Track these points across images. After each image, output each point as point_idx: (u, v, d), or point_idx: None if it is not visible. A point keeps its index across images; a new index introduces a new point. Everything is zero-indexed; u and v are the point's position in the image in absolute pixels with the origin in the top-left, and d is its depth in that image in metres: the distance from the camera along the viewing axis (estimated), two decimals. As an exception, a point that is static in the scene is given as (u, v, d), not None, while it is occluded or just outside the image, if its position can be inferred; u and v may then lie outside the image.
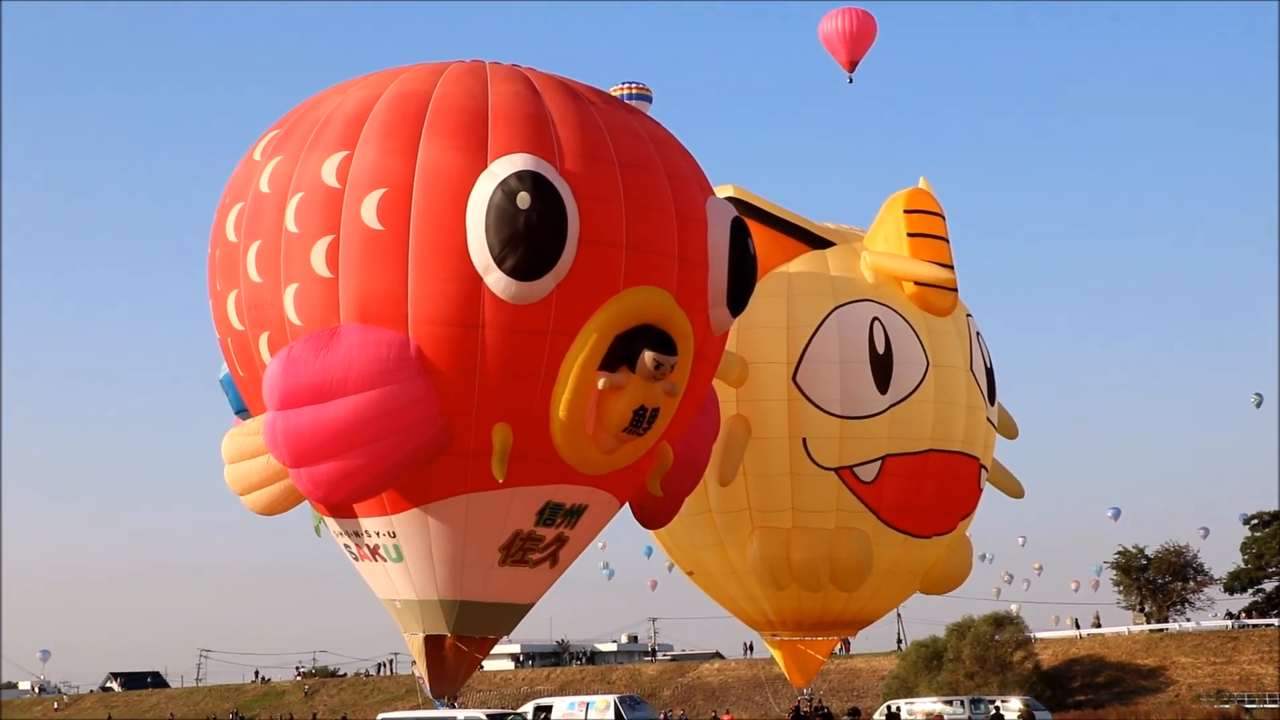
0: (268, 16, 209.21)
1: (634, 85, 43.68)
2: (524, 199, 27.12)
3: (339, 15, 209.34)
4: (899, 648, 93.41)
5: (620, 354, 28.31)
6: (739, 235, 30.74)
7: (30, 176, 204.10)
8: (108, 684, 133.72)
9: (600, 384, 28.27)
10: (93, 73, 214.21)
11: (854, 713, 28.14)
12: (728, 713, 52.71)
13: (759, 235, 37.99)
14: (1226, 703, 69.52)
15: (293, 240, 28.31)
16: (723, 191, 37.03)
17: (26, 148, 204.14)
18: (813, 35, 49.10)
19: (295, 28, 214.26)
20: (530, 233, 27.15)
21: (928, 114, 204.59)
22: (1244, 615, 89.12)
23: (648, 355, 28.30)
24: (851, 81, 48.45)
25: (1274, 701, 70.73)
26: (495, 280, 27.37)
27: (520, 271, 27.25)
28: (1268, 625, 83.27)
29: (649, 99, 38.27)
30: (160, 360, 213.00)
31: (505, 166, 27.50)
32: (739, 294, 30.88)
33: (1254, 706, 69.23)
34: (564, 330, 27.87)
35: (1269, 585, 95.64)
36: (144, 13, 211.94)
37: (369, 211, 27.64)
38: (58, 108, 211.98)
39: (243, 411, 32.60)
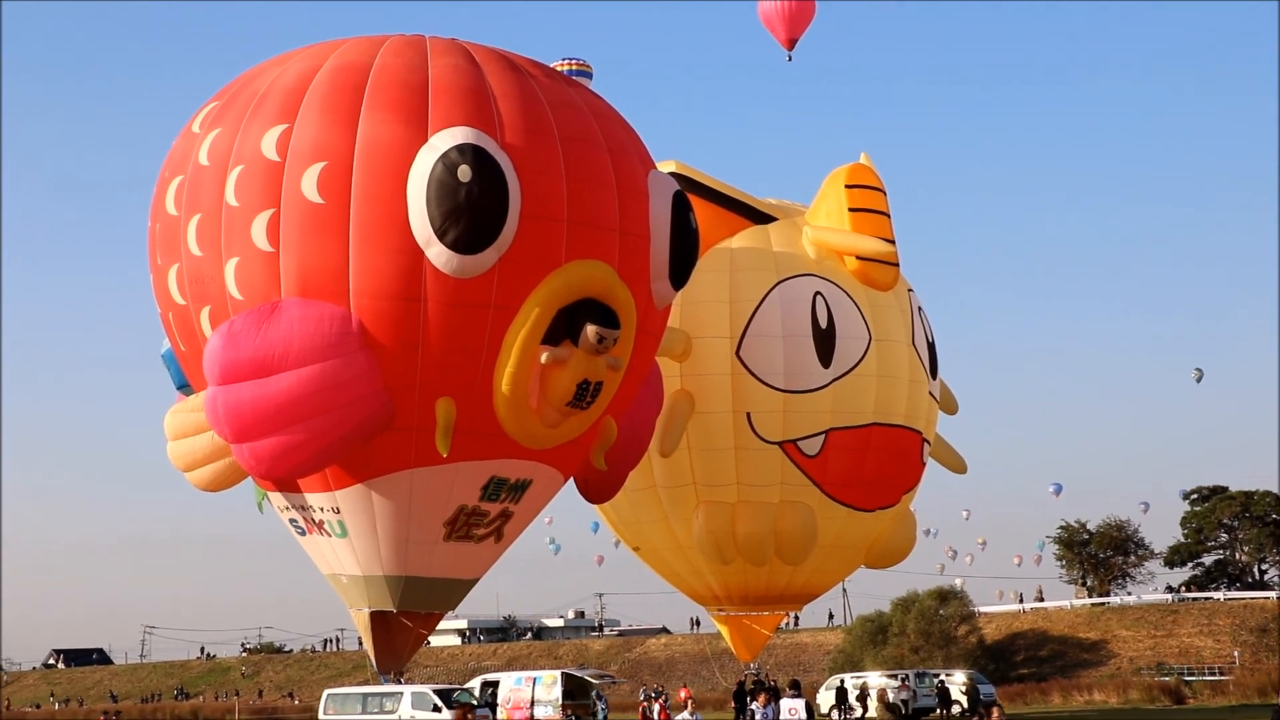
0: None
1: (574, 61, 43.57)
2: (465, 172, 26.97)
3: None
4: (829, 623, 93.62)
5: (563, 328, 28.21)
6: (681, 209, 30.66)
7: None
8: (50, 661, 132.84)
9: (543, 358, 28.15)
10: (28, 39, 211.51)
11: (794, 685, 28.17)
12: (685, 687, 52.66)
13: (701, 211, 37.93)
14: (1167, 675, 70.00)
15: (233, 214, 28.03)
16: (665, 167, 36.93)
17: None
18: (753, 14, 49.00)
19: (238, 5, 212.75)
20: (471, 206, 27.00)
21: (868, 90, 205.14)
22: (1184, 589, 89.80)
23: (590, 329, 28.21)
24: (791, 59, 48.44)
25: (1213, 674, 71.36)
26: (437, 254, 27.20)
27: (462, 245, 27.09)
28: (1207, 599, 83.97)
29: (589, 75, 38.07)
30: (101, 335, 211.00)
31: (446, 140, 27.31)
32: (681, 268, 30.82)
33: (1193, 679, 69.78)
34: (506, 304, 27.73)
35: (1208, 559, 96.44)
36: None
37: (309, 185, 27.42)
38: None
39: (185, 387, 32.32)
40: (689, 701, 28.30)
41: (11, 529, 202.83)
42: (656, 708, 42.87)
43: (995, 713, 13.57)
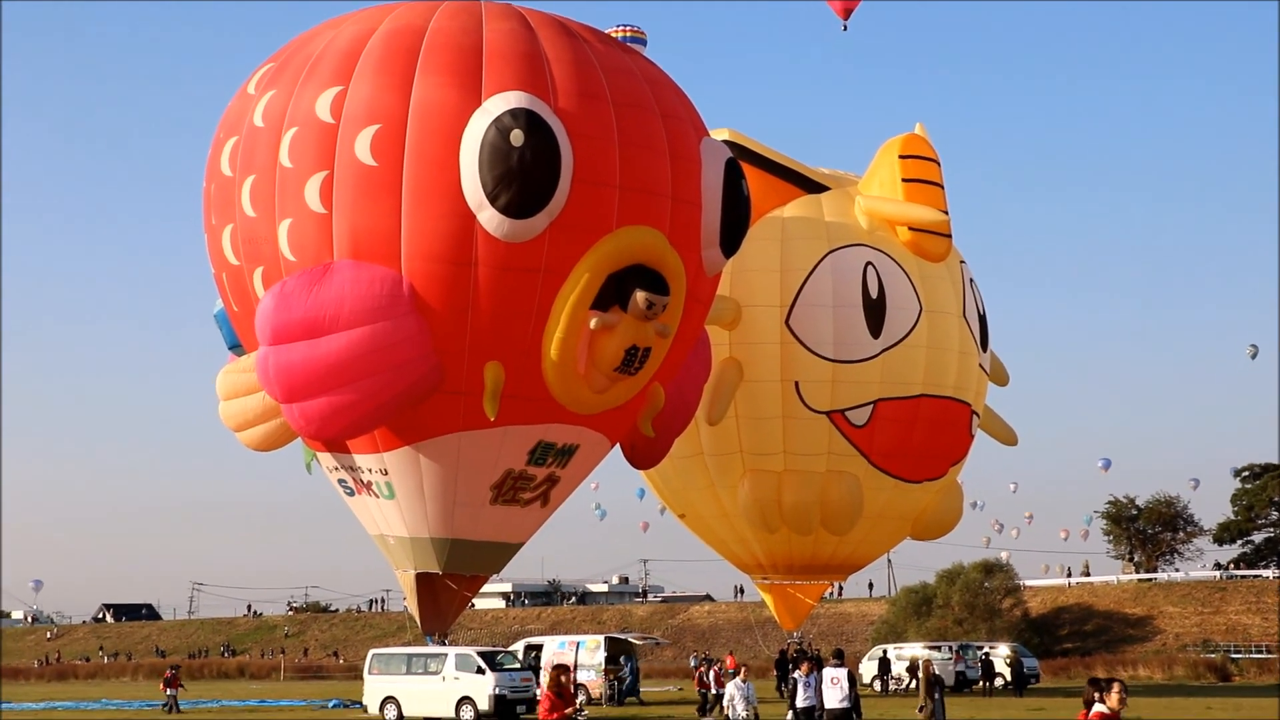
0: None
1: (629, 28, 43.40)
2: (518, 136, 26.99)
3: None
4: (869, 594, 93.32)
5: (612, 293, 28.24)
6: (733, 176, 30.56)
7: (20, 109, 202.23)
8: (100, 615, 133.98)
9: (592, 323, 28.14)
10: (88, 6, 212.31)
11: (838, 654, 28.07)
12: (730, 654, 52.68)
13: (754, 179, 37.84)
14: (1213, 653, 69.57)
15: (287, 175, 28.14)
16: (719, 135, 36.85)
17: (17, 82, 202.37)
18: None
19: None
20: (523, 170, 27.03)
21: (925, 60, 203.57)
22: (1232, 566, 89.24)
23: (640, 295, 28.21)
24: (846, 29, 48.11)
25: (1259, 652, 70.89)
26: (488, 218, 27.24)
27: (513, 209, 27.13)
28: (1256, 576, 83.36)
29: (644, 42, 37.93)
30: (156, 296, 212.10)
31: (499, 104, 27.33)
32: (732, 235, 30.74)
33: (1240, 656, 69.34)
34: (556, 269, 27.75)
35: (1258, 537, 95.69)
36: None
37: (363, 147, 27.49)
38: (53, 40, 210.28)
39: (237, 347, 32.49)
40: (742, 669, 28.19)
41: (62, 485, 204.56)
42: (712, 674, 42.96)
43: (1116, 688, 13.43)
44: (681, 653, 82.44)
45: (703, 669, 44.54)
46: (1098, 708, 13.35)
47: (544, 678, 21.47)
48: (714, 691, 41.27)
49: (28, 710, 51.89)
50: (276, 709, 49.59)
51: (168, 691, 48.28)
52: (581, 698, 20.38)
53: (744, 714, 26.58)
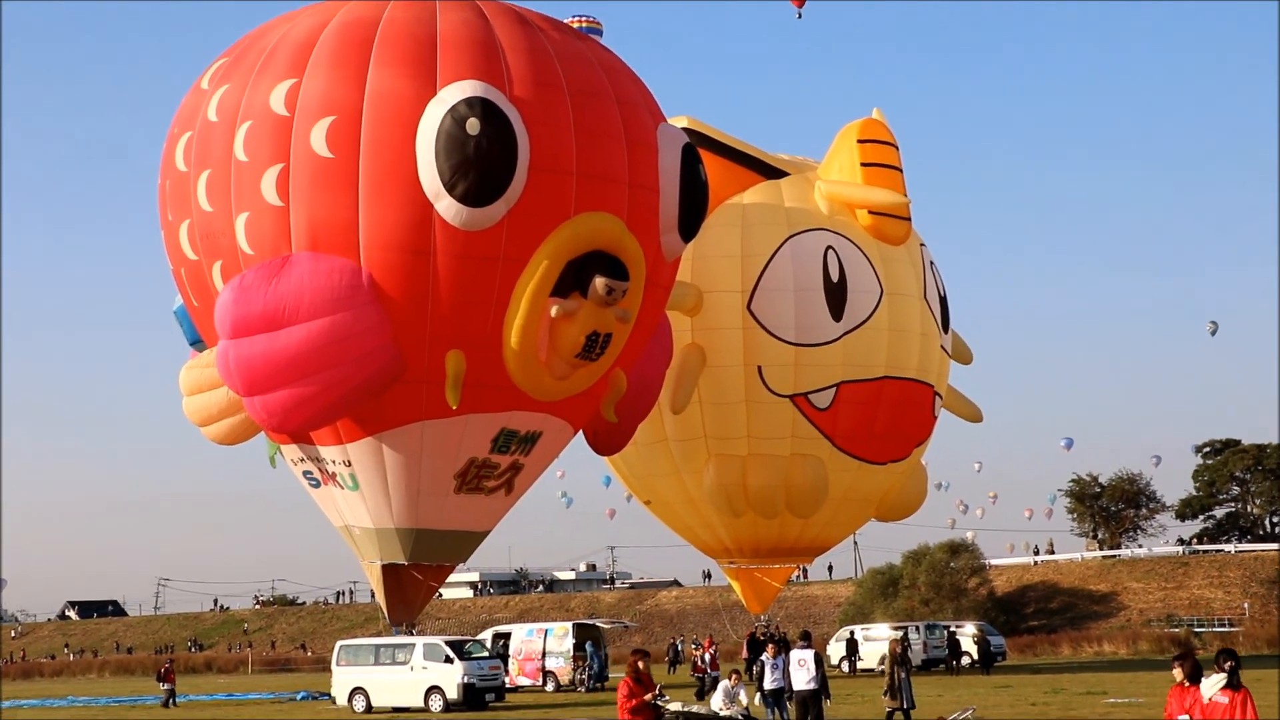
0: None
1: (585, 19, 43.29)
2: (474, 125, 26.85)
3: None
4: (829, 576, 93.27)
5: (572, 280, 28.10)
6: (690, 161, 30.45)
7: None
8: (65, 613, 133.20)
9: (553, 311, 28.01)
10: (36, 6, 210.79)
11: (805, 636, 28.06)
12: (709, 638, 52.69)
13: (714, 166, 37.76)
14: (1176, 626, 69.98)
15: (243, 169, 27.95)
16: (678, 122, 36.72)
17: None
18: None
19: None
20: (480, 159, 26.90)
21: (881, 45, 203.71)
22: (1195, 541, 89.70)
23: (599, 281, 28.07)
24: (800, 17, 48.07)
25: (1222, 625, 71.33)
26: (446, 207, 27.11)
27: (471, 198, 27.00)
28: (1218, 551, 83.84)
29: (600, 32, 37.76)
30: (114, 292, 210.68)
31: (455, 93, 27.16)
32: (690, 219, 30.62)
33: (1203, 630, 69.78)
34: (515, 257, 27.60)
35: (1219, 512, 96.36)
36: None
37: (319, 139, 27.30)
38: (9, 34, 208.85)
39: (198, 343, 32.30)
40: (733, 675, 28.08)
41: (28, 482, 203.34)
42: (708, 656, 43.10)
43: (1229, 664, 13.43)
44: (650, 638, 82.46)
45: (698, 653, 44.73)
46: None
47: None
48: (710, 675, 41.53)
49: (28, 707, 51.63)
50: (257, 702, 49.32)
51: (164, 686, 48.19)
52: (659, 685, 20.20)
53: (720, 709, 26.47)
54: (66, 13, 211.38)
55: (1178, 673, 13.78)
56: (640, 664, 19.73)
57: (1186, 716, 13.50)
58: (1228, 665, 13.30)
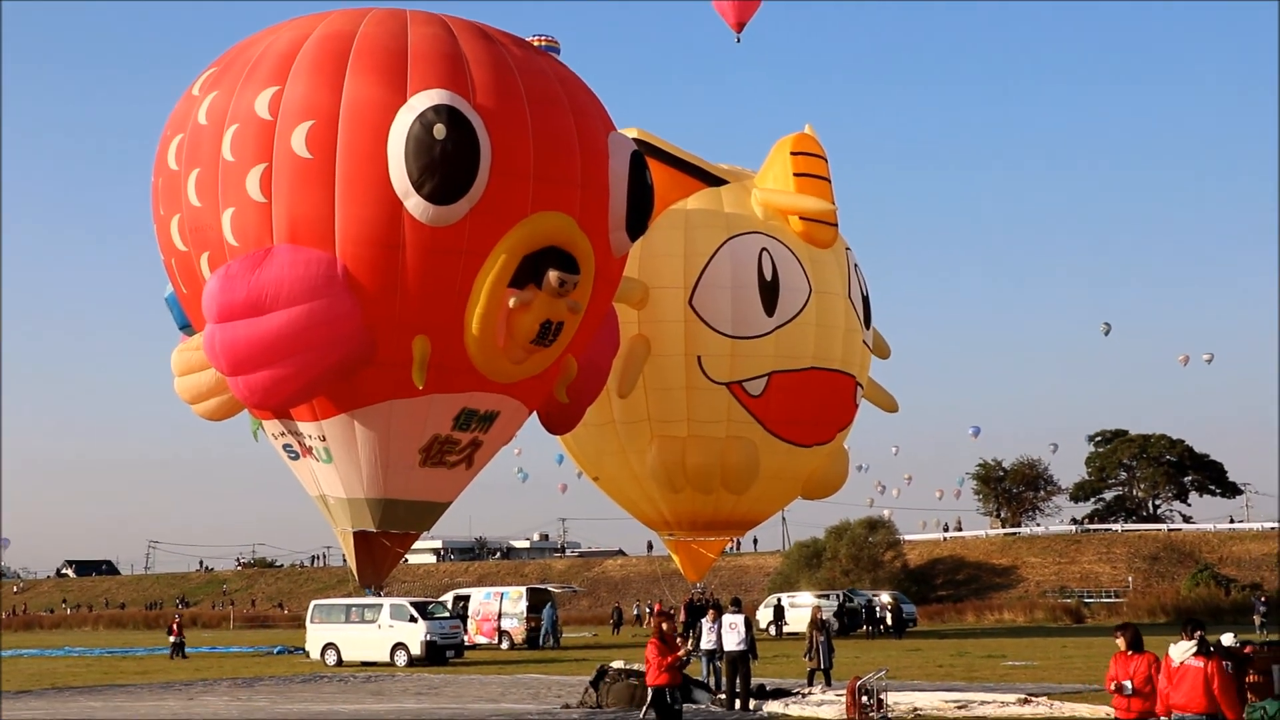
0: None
1: (544, 38, 42.91)
2: (440, 130, 26.63)
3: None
4: (754, 549, 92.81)
5: (528, 273, 27.82)
6: (637, 166, 30.20)
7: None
8: (63, 570, 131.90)
9: (510, 301, 27.78)
10: (49, 18, 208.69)
11: (735, 602, 27.89)
12: (659, 603, 52.39)
13: (661, 174, 37.57)
14: (1069, 598, 70.37)
15: (229, 168, 27.64)
16: (629, 134, 36.39)
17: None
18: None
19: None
20: (446, 161, 26.68)
21: (814, 66, 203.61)
22: (1086, 521, 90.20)
23: (552, 274, 27.85)
24: (739, 41, 47.74)
25: (1109, 596, 71.79)
26: (414, 204, 26.86)
27: (437, 196, 26.76)
28: (1107, 530, 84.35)
29: (557, 50, 37.43)
30: (111, 281, 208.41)
31: (423, 100, 26.92)
32: (637, 220, 30.37)
33: (1092, 601, 70.24)
34: (477, 250, 27.33)
35: (1109, 495, 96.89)
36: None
37: (299, 141, 27.04)
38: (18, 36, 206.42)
39: (186, 327, 31.99)
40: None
41: (32, 450, 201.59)
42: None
43: (1197, 633, 13.36)
44: (597, 602, 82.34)
45: (650, 617, 44.32)
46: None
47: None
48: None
49: (44, 656, 51.00)
50: (238, 655, 48.83)
51: (172, 639, 47.72)
52: (689, 645, 19.79)
53: None
54: (67, 31, 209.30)
55: (1120, 641, 13.69)
56: (665, 625, 19.03)
57: (1130, 682, 13.41)
58: (1196, 634, 13.22)
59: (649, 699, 18.94)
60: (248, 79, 27.99)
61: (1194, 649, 13.12)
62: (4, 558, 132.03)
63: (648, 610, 55.06)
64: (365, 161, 26.91)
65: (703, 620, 28.59)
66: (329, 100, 27.14)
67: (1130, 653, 13.57)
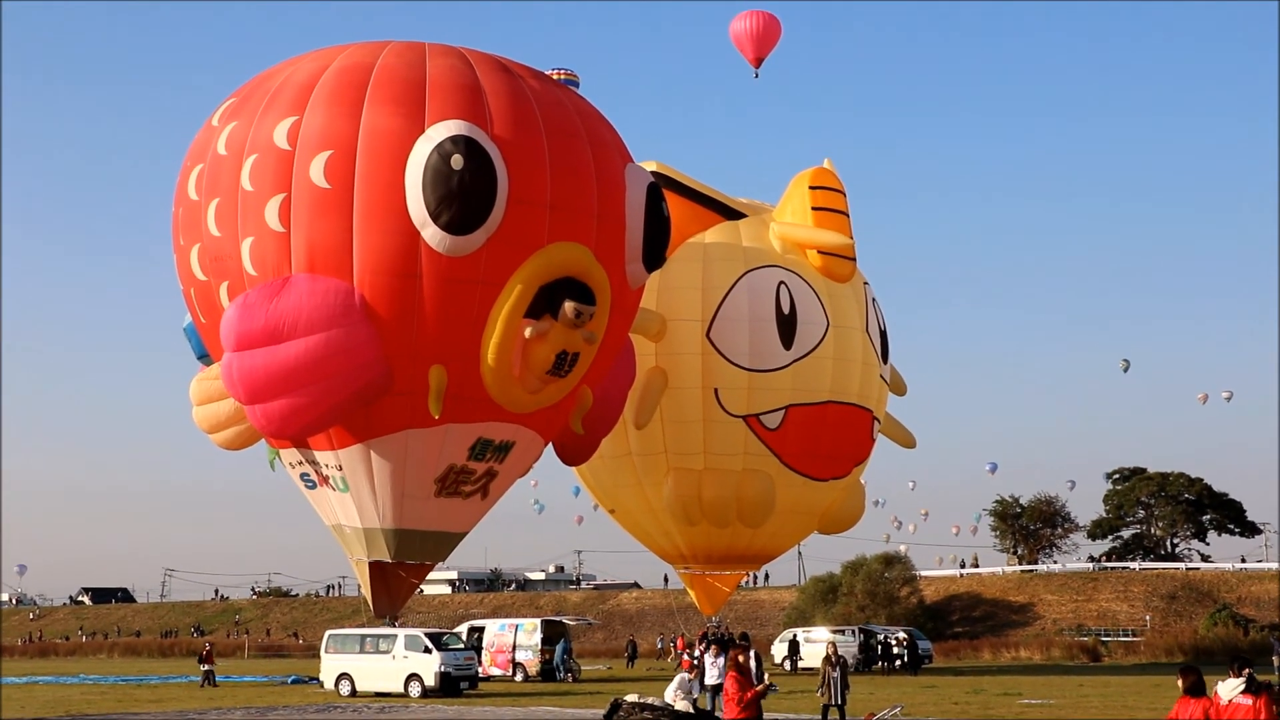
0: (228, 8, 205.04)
1: (563, 71, 43.02)
2: (458, 161, 26.70)
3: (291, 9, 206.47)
4: (764, 583, 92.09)
5: (544, 303, 27.84)
6: (654, 198, 30.19)
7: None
8: (79, 598, 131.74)
9: (526, 332, 27.77)
10: (66, 46, 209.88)
11: (743, 637, 27.82)
12: (680, 636, 52.02)
13: (679, 207, 37.56)
14: (1085, 636, 69.79)
15: (248, 198, 27.73)
16: (648, 167, 36.41)
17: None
18: (724, 34, 48.36)
19: (251, 16, 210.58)
20: (463, 191, 26.73)
21: (833, 100, 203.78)
22: (1104, 559, 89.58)
23: (569, 305, 27.83)
24: (757, 76, 47.88)
25: (1126, 635, 71.22)
26: (431, 234, 26.91)
27: (454, 226, 26.80)
28: (1124, 568, 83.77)
29: (577, 84, 37.63)
30: (132, 310, 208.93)
31: (441, 131, 27.01)
32: (654, 251, 30.35)
33: (1109, 639, 69.66)
34: (493, 280, 27.35)
35: (1126, 533, 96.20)
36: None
37: (317, 171, 27.14)
38: (34, 80, 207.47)
39: (205, 358, 32.08)
40: (692, 669, 27.38)
41: (50, 478, 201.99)
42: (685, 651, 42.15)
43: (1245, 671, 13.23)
44: (611, 635, 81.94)
45: (675, 650, 44.10)
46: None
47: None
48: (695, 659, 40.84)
49: (68, 683, 50.84)
50: (252, 684, 48.60)
51: (204, 667, 47.54)
52: (766, 676, 18.82)
53: (673, 699, 25.89)
54: (91, 54, 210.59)
55: (1181, 684, 13.50)
56: (741, 658, 18.06)
57: None
58: (1244, 672, 13.06)
59: None
60: (266, 109, 28.11)
61: (1242, 686, 12.95)
62: (21, 584, 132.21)
63: (671, 644, 54.73)
64: (383, 191, 26.95)
65: (705, 655, 28.47)
66: (347, 130, 27.22)
67: (1191, 697, 13.35)
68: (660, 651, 66.30)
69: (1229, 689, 13.04)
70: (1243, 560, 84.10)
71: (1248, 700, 12.89)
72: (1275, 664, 50.72)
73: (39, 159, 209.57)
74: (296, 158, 27.27)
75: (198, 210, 28.80)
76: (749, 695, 17.40)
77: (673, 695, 25.87)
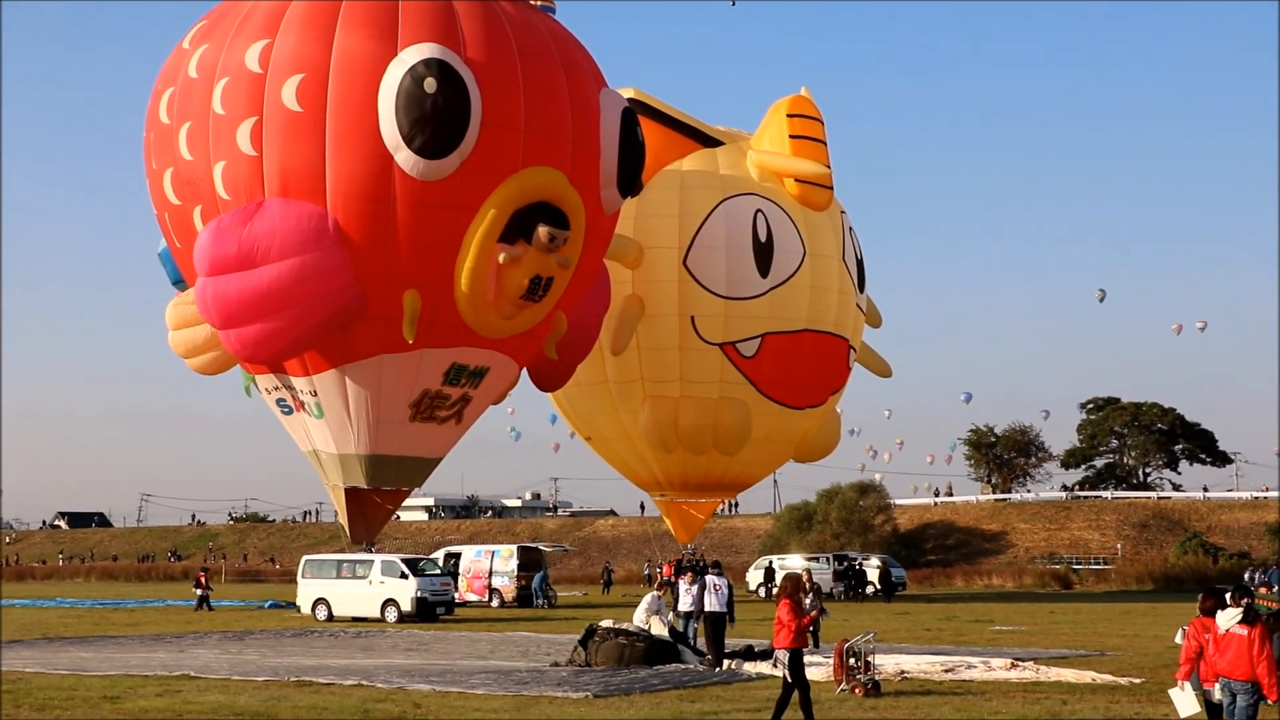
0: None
1: (539, -1, 42.36)
2: (431, 84, 26.28)
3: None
4: (732, 511, 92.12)
5: (518, 228, 27.51)
6: (629, 123, 29.81)
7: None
8: (55, 522, 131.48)
9: (500, 257, 27.49)
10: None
11: (715, 564, 27.77)
12: (667, 562, 51.96)
13: (656, 135, 37.22)
14: (1058, 564, 70.22)
15: (220, 121, 27.30)
16: (625, 93, 36.05)
17: None
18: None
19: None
20: (436, 115, 26.34)
21: (810, 28, 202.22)
22: (1076, 488, 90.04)
23: (542, 229, 27.55)
24: (734, 4, 47.42)
25: (1098, 563, 71.70)
26: (404, 158, 26.56)
27: (427, 150, 26.45)
28: (1096, 497, 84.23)
29: (552, 10, 36.88)
30: (106, 234, 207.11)
31: (414, 54, 26.57)
32: (628, 176, 30.00)
33: (1080, 567, 70.12)
34: (467, 205, 27.03)
35: (1099, 462, 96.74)
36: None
37: (289, 94, 26.71)
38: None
39: (179, 283, 31.69)
40: (662, 589, 27.36)
41: (26, 401, 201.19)
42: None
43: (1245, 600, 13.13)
44: (588, 562, 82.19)
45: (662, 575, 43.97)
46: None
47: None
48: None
49: (67, 606, 50.76)
50: (229, 609, 48.58)
51: (198, 591, 47.58)
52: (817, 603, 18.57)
53: (643, 619, 25.89)
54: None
55: (1199, 606, 13.43)
56: (803, 584, 17.76)
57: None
58: (1243, 601, 12.99)
59: (785, 660, 16.56)
60: (238, 32, 27.63)
61: (1240, 616, 12.90)
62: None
63: (657, 571, 54.82)
64: (356, 115, 26.58)
65: (680, 581, 28.49)
66: (319, 53, 26.78)
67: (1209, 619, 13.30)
68: (647, 578, 66.29)
69: (1227, 618, 13.00)
70: (1205, 490, 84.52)
71: (1244, 631, 12.85)
72: (1276, 590, 50.62)
73: (6, 84, 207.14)
74: (268, 81, 26.83)
75: (170, 134, 28.36)
76: (805, 621, 17.25)
77: (643, 617, 25.89)
